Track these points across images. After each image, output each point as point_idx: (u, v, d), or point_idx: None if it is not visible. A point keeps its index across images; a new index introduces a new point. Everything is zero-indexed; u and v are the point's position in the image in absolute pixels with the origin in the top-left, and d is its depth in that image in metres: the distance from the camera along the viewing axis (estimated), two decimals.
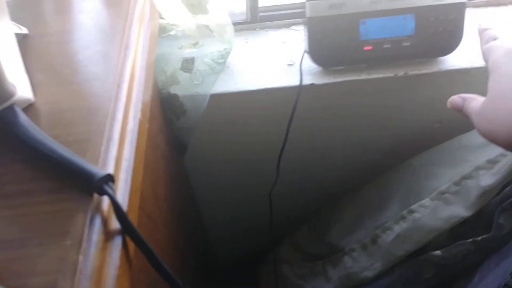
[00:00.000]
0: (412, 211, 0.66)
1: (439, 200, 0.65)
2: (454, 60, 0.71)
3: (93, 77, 0.44)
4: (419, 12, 0.67)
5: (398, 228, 0.66)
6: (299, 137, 0.77)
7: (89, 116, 0.40)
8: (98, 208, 0.34)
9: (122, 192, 0.36)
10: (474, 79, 0.72)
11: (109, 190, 0.33)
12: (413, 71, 0.70)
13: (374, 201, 0.76)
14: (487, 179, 0.62)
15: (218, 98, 0.71)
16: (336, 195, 0.90)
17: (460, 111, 0.48)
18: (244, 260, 1.09)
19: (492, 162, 0.64)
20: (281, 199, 0.86)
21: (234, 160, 0.84)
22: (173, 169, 0.72)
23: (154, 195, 0.56)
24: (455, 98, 0.50)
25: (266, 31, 0.82)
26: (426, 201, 0.66)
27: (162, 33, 0.72)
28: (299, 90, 0.69)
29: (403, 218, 0.66)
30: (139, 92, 0.44)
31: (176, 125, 0.72)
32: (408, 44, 0.69)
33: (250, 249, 1.06)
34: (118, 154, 0.38)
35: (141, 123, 0.42)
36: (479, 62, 0.71)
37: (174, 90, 0.67)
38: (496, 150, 0.64)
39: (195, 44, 0.71)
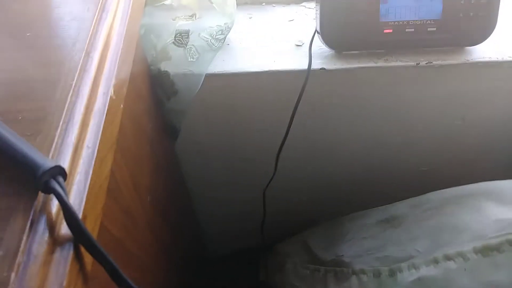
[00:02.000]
0: (448, 258, 0.55)
1: (485, 257, 0.52)
2: (484, 51, 0.63)
3: (59, 43, 0.36)
4: None
5: (425, 271, 0.55)
6: (304, 128, 0.69)
7: (47, 90, 0.32)
8: (43, 210, 0.26)
9: (79, 189, 0.28)
10: (505, 74, 0.64)
11: (57, 187, 0.25)
12: (437, 60, 0.62)
13: (400, 224, 0.66)
14: None
15: (215, 79, 0.63)
16: (340, 196, 0.83)
17: None
18: (237, 253, 1.03)
19: None
20: (277, 195, 0.78)
21: (230, 150, 0.76)
22: (161, 157, 0.64)
23: (134, 186, 0.49)
24: None
25: (274, 6, 0.73)
26: (468, 251, 0.53)
27: (155, 1, 0.64)
28: (307, 74, 0.61)
29: (435, 262, 0.55)
30: (114, 64, 0.36)
31: (167, 106, 0.64)
32: (433, 29, 0.61)
33: (244, 242, 0.99)
34: (79, 140, 0.30)
35: (113, 102, 0.34)
36: (511, 55, 0.63)
37: (165, 67, 0.59)
38: None
39: (192, 16, 0.62)
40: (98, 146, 0.31)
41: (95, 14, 0.38)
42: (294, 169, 0.79)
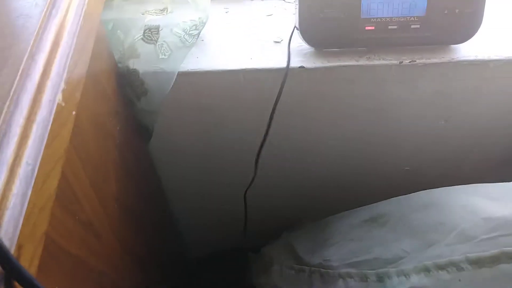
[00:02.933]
0: (439, 267, 0.51)
1: (481, 268, 0.47)
2: (470, 49, 0.61)
3: None
4: None
5: (416, 279, 0.51)
6: (283, 129, 0.66)
7: None
8: None
9: (13, 214, 0.25)
10: (491, 73, 0.61)
11: None
12: (421, 59, 0.59)
13: (386, 222, 0.63)
14: None
15: (189, 77, 0.59)
16: (323, 196, 0.81)
17: None
18: (219, 254, 1.00)
19: None
20: (259, 196, 0.75)
21: (208, 151, 0.73)
22: (132, 160, 0.61)
23: (98, 195, 0.45)
24: None
25: (251, 0, 0.70)
26: (461, 260, 0.49)
27: None
28: (286, 73, 0.58)
29: (426, 270, 0.51)
30: (63, 67, 0.32)
31: (137, 106, 0.60)
32: (417, 26, 0.58)
33: (226, 243, 0.96)
34: (16, 156, 0.27)
35: (61, 110, 0.31)
36: (498, 54, 0.60)
37: (133, 64, 0.56)
38: None
39: (163, 10, 0.59)
40: (41, 162, 0.28)
41: (43, 10, 0.34)
42: (275, 170, 0.76)
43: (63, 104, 0.31)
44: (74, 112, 0.33)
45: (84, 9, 0.37)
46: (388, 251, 0.59)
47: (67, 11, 0.35)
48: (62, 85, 0.32)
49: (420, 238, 0.57)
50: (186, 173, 0.76)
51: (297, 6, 0.57)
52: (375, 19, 0.57)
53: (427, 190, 0.65)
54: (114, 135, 0.53)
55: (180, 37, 0.60)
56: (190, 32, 0.61)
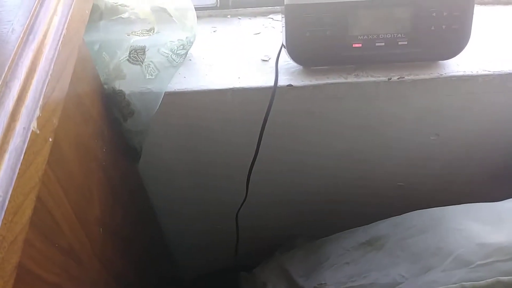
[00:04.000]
0: None
1: None
2: (458, 64, 0.61)
3: None
4: (419, 5, 0.55)
5: None
6: (273, 147, 0.66)
7: None
8: None
9: None
10: (480, 88, 0.61)
11: None
12: (410, 75, 0.59)
13: (383, 245, 0.62)
14: None
15: (176, 97, 0.59)
16: (316, 215, 0.80)
17: None
18: (211, 274, 0.98)
19: None
20: (251, 216, 0.74)
21: (198, 171, 0.72)
22: (119, 181, 0.60)
23: (80, 220, 0.44)
24: None
25: (239, 19, 0.70)
26: (456, 287, 0.48)
27: (112, 14, 0.60)
28: (273, 92, 0.58)
29: None
30: (39, 93, 0.32)
31: (124, 127, 0.59)
32: (404, 43, 0.58)
33: (218, 264, 0.95)
34: None
35: (35, 138, 0.30)
36: (486, 69, 0.60)
37: (119, 85, 0.55)
38: None
39: (150, 30, 0.58)
40: (12, 193, 0.27)
41: (19, 36, 0.33)
42: (266, 188, 0.75)
43: (38, 132, 0.31)
44: (50, 139, 0.32)
45: (63, 34, 0.37)
46: (385, 276, 0.58)
47: (44, 36, 0.35)
48: (38, 112, 0.31)
49: (417, 263, 0.56)
50: (176, 193, 0.75)
51: (284, 25, 0.57)
52: (362, 36, 0.57)
53: (422, 210, 0.64)
54: (99, 157, 0.52)
55: (167, 57, 0.59)
56: (177, 52, 0.60)
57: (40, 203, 0.35)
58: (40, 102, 0.31)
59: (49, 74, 0.33)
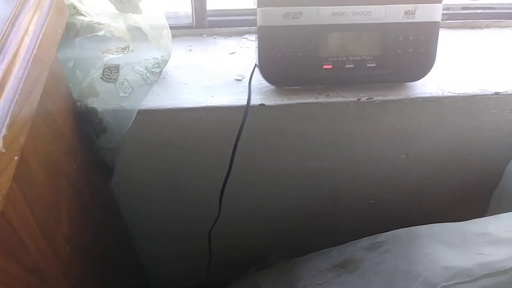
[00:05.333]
0: None
1: None
2: (425, 86, 0.63)
3: None
4: (386, 29, 0.58)
5: None
6: (246, 165, 0.66)
7: None
8: None
9: None
10: (445, 109, 0.64)
11: None
12: (378, 96, 0.61)
13: (355, 268, 0.63)
14: None
15: (150, 115, 0.59)
16: (289, 232, 0.80)
17: None
18: None
19: None
20: (224, 233, 0.74)
21: (171, 188, 0.72)
22: (90, 198, 0.59)
23: (47, 237, 0.44)
24: None
25: (215, 38, 0.71)
26: None
27: (88, 32, 0.60)
28: (246, 111, 0.59)
29: None
30: (6, 112, 0.32)
31: (97, 144, 0.60)
32: (373, 65, 0.60)
33: (190, 280, 0.94)
34: None
35: (0, 157, 0.30)
36: (452, 91, 0.62)
37: (92, 103, 0.55)
38: None
39: (125, 48, 0.59)
40: None
41: None
42: (240, 206, 0.75)
43: (4, 150, 0.31)
44: (16, 157, 0.33)
45: (33, 53, 0.37)
46: None
47: (14, 56, 0.35)
48: (4, 131, 0.31)
49: (388, 286, 0.58)
50: (149, 209, 0.75)
51: (257, 45, 0.58)
52: (332, 58, 0.59)
53: (394, 232, 0.66)
54: (70, 174, 0.52)
55: (142, 74, 0.60)
56: (152, 70, 0.61)
57: (5, 221, 0.35)
58: (7, 121, 0.32)
59: (17, 93, 0.34)
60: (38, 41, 0.39)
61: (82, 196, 0.55)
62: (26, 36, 0.37)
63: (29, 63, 0.36)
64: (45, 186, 0.44)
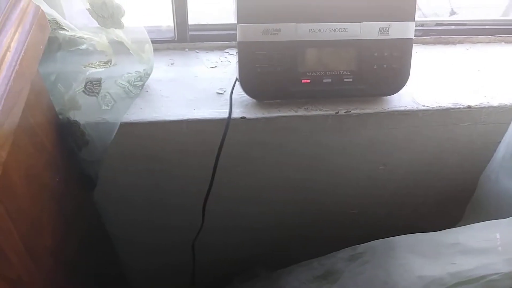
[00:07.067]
0: None
1: None
2: (400, 100, 0.65)
3: None
4: (362, 46, 0.60)
5: None
6: (228, 177, 0.67)
7: None
8: None
9: None
10: (420, 121, 0.66)
11: None
12: (356, 109, 0.63)
13: (336, 280, 0.64)
14: None
15: (132, 128, 0.60)
16: (272, 243, 0.81)
17: None
18: None
19: None
20: (207, 244, 0.75)
21: (154, 200, 0.73)
22: (72, 210, 0.60)
23: (29, 251, 0.44)
24: None
25: (197, 52, 0.73)
26: None
27: (70, 46, 0.61)
28: (227, 124, 0.60)
29: None
30: None
31: (79, 156, 0.60)
32: (350, 79, 0.62)
33: None
34: None
35: None
36: (426, 105, 0.65)
37: (74, 116, 0.56)
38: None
39: (107, 62, 0.60)
40: None
41: None
42: (222, 218, 0.76)
43: None
44: None
45: (15, 70, 0.38)
46: None
47: None
48: None
49: None
50: (132, 221, 0.76)
51: (238, 60, 0.60)
52: (310, 73, 0.61)
53: (373, 242, 0.67)
54: (52, 187, 0.52)
55: (124, 88, 0.61)
56: (134, 83, 0.62)
57: None
58: None
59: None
60: (20, 57, 0.39)
61: (65, 208, 0.56)
62: (8, 52, 0.38)
63: (11, 79, 0.37)
64: (28, 199, 0.45)
